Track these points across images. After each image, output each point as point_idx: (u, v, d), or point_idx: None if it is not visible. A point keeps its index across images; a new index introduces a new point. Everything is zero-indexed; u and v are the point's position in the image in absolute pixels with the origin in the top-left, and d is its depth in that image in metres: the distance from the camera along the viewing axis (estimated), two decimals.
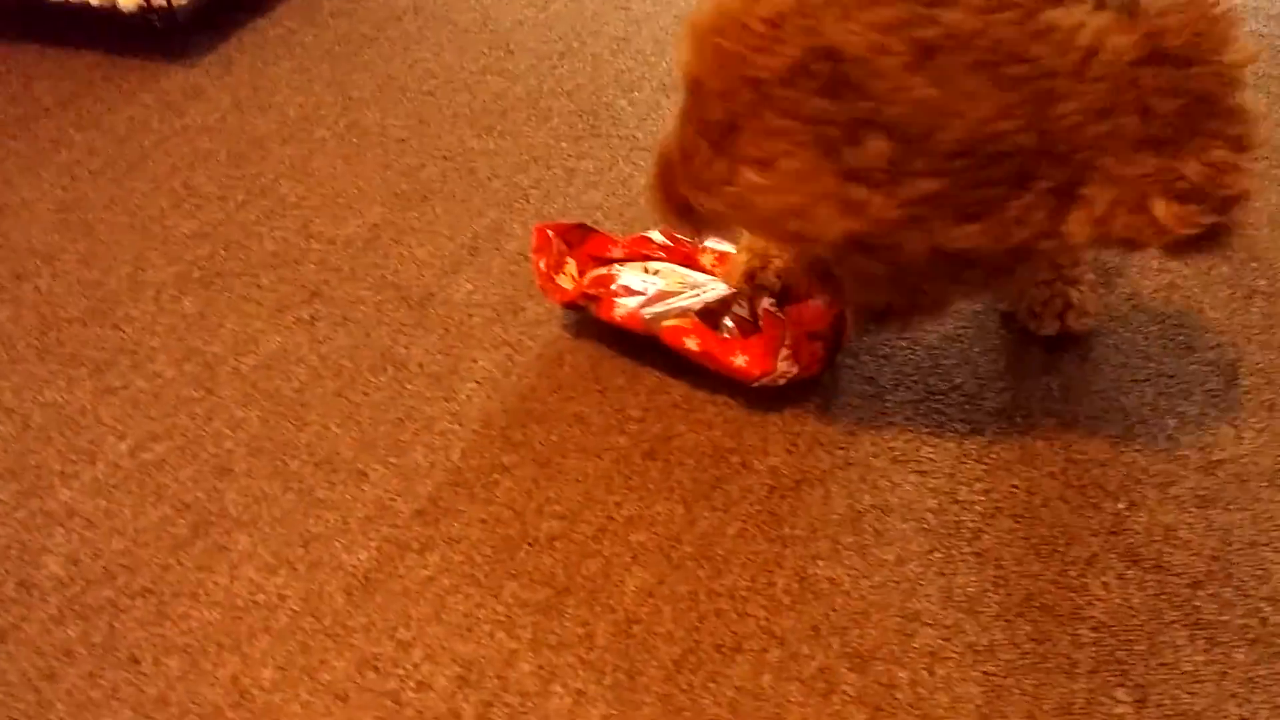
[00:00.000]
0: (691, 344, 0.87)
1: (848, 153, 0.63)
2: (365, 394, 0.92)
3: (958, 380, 0.89)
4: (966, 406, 0.87)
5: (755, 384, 0.86)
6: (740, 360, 0.85)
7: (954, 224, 0.64)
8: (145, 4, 1.34)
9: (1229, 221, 0.62)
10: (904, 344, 0.92)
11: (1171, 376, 0.88)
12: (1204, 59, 0.61)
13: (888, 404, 0.88)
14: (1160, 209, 0.62)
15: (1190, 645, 0.71)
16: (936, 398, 0.88)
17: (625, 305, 0.90)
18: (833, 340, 0.88)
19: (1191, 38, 0.61)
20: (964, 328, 0.93)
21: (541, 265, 0.95)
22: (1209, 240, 0.63)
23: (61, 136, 1.27)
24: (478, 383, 0.92)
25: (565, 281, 0.95)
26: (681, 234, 0.73)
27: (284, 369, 0.95)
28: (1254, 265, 0.97)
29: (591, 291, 0.92)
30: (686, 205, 0.69)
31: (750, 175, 0.65)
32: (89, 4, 1.35)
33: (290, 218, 1.12)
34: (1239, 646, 0.70)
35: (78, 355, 0.97)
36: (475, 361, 0.94)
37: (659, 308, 0.89)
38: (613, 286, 0.92)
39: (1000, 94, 0.61)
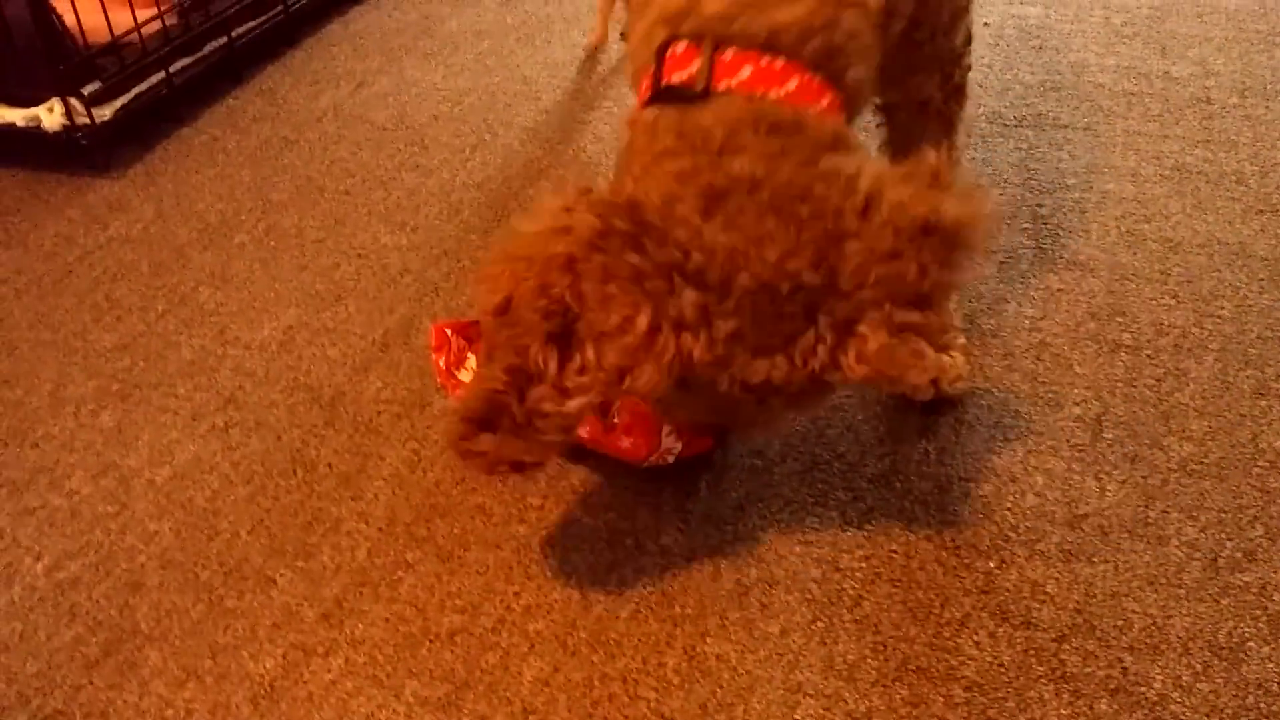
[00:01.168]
0: (582, 433, 0.91)
1: (670, 303, 0.67)
2: (275, 498, 0.95)
3: (840, 449, 0.93)
4: (848, 474, 0.91)
5: (645, 463, 0.90)
6: (626, 443, 0.89)
7: (753, 358, 0.69)
8: (69, 122, 1.38)
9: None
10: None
11: (1040, 434, 0.92)
12: (964, 248, 0.68)
13: (775, 476, 0.91)
14: (920, 353, 0.68)
15: (1056, 699, 0.74)
16: (821, 467, 0.92)
17: None
18: None
19: (964, 229, 0.68)
20: (847, 396, 0.98)
21: (441, 363, 0.99)
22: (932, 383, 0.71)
23: None
24: (384, 480, 0.95)
25: (466, 376, 0.99)
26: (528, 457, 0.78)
27: (197, 478, 0.98)
28: (1119, 320, 1.02)
29: None
30: (529, 418, 0.71)
31: (607, 346, 0.67)
32: (14, 124, 1.40)
33: (208, 325, 1.16)
34: (1101, 697, 0.74)
35: None
36: (383, 459, 0.97)
37: None
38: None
39: (790, 233, 0.67)
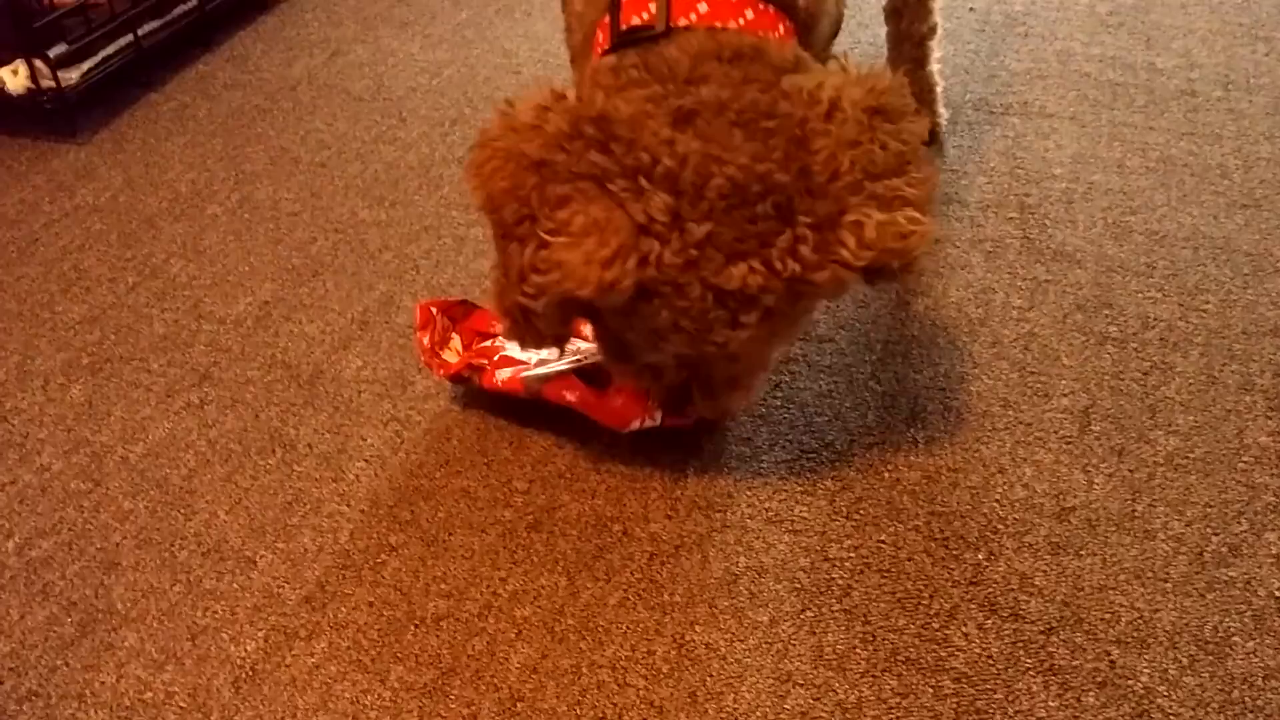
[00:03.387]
0: (570, 396, 0.90)
1: (634, 208, 0.69)
2: (254, 478, 0.93)
3: (829, 437, 0.93)
4: (837, 463, 0.90)
5: (629, 429, 0.89)
6: (618, 402, 0.89)
7: (727, 263, 0.70)
8: (34, 86, 1.34)
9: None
10: (779, 403, 0.96)
11: (1029, 425, 0.92)
12: (905, 117, 0.73)
13: (763, 464, 0.91)
14: (915, 218, 0.71)
15: (1045, 691, 0.74)
16: (809, 456, 0.91)
17: (505, 373, 0.93)
18: None
19: (896, 99, 0.73)
20: (835, 382, 0.97)
21: (425, 341, 0.97)
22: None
23: None
24: (366, 461, 0.94)
25: (450, 355, 0.97)
26: (531, 344, 0.79)
27: (172, 456, 0.95)
28: (1106, 312, 1.02)
29: (475, 361, 0.95)
30: (523, 310, 0.73)
31: (555, 245, 0.70)
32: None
33: (181, 298, 1.13)
34: (1089, 690, 0.74)
35: None
36: (364, 439, 0.96)
37: (539, 371, 0.92)
38: (495, 358, 0.94)
39: (757, 144, 0.70)
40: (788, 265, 0.70)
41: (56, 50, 1.35)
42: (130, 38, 1.43)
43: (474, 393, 0.97)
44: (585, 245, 0.69)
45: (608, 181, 0.69)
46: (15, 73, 1.34)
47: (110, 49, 1.42)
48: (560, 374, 0.92)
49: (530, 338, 0.76)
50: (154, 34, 1.47)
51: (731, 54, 0.73)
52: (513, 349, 0.95)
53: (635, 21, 0.76)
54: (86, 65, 1.38)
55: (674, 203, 0.69)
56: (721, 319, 0.72)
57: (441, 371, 0.96)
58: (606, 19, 0.79)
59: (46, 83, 1.34)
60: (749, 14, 0.75)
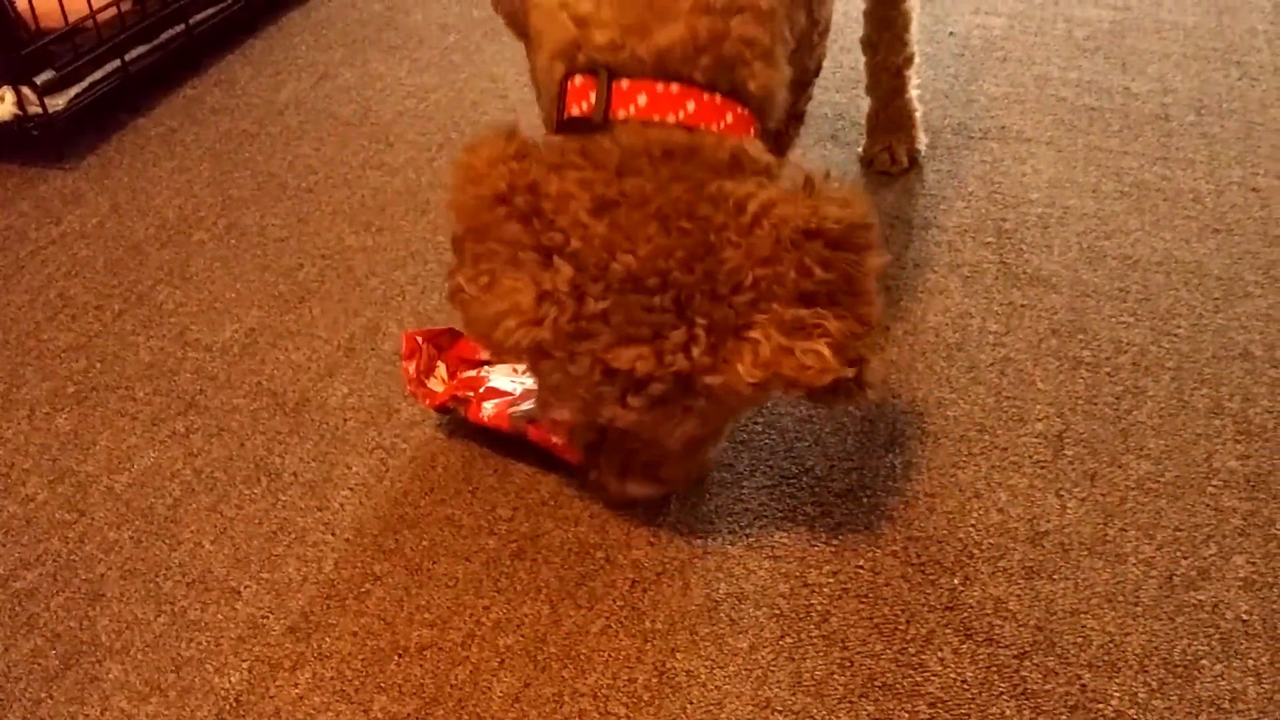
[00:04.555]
0: (556, 439, 0.91)
1: (541, 275, 0.73)
2: (239, 507, 0.94)
3: (809, 463, 0.94)
4: (816, 489, 0.92)
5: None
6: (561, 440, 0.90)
7: (618, 342, 0.73)
8: (21, 112, 1.35)
9: (859, 377, 0.75)
10: (759, 429, 0.97)
11: (1004, 449, 0.94)
12: (854, 248, 0.73)
13: (744, 490, 0.92)
14: (818, 353, 0.72)
15: (1017, 716, 0.76)
16: (789, 482, 0.93)
17: (491, 407, 0.94)
18: None
19: (847, 229, 0.73)
20: (815, 409, 0.99)
21: (411, 370, 0.98)
22: (844, 391, 0.75)
23: None
24: (351, 490, 0.95)
25: (436, 385, 0.98)
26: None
27: (158, 485, 0.96)
28: (1080, 337, 1.04)
29: (460, 394, 0.96)
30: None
31: (468, 287, 0.76)
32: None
33: (167, 326, 1.14)
34: (1061, 714, 0.75)
35: None
36: (349, 468, 0.97)
37: (525, 406, 0.93)
38: (481, 389, 0.96)
39: (667, 239, 0.72)
40: (676, 360, 0.72)
41: (44, 76, 1.36)
42: (118, 63, 1.44)
43: (460, 420, 0.98)
44: (491, 306, 0.74)
45: (520, 251, 0.74)
46: (2, 99, 1.35)
47: (98, 74, 1.42)
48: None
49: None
50: (141, 59, 1.48)
51: (661, 151, 0.74)
52: (498, 380, 0.96)
53: (576, 111, 0.78)
54: (73, 91, 1.39)
55: (576, 276, 0.73)
56: (609, 395, 0.75)
57: (427, 401, 0.97)
58: (557, 102, 0.81)
59: (34, 109, 1.35)
60: (690, 106, 0.76)
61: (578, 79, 0.78)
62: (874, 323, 0.74)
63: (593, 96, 0.76)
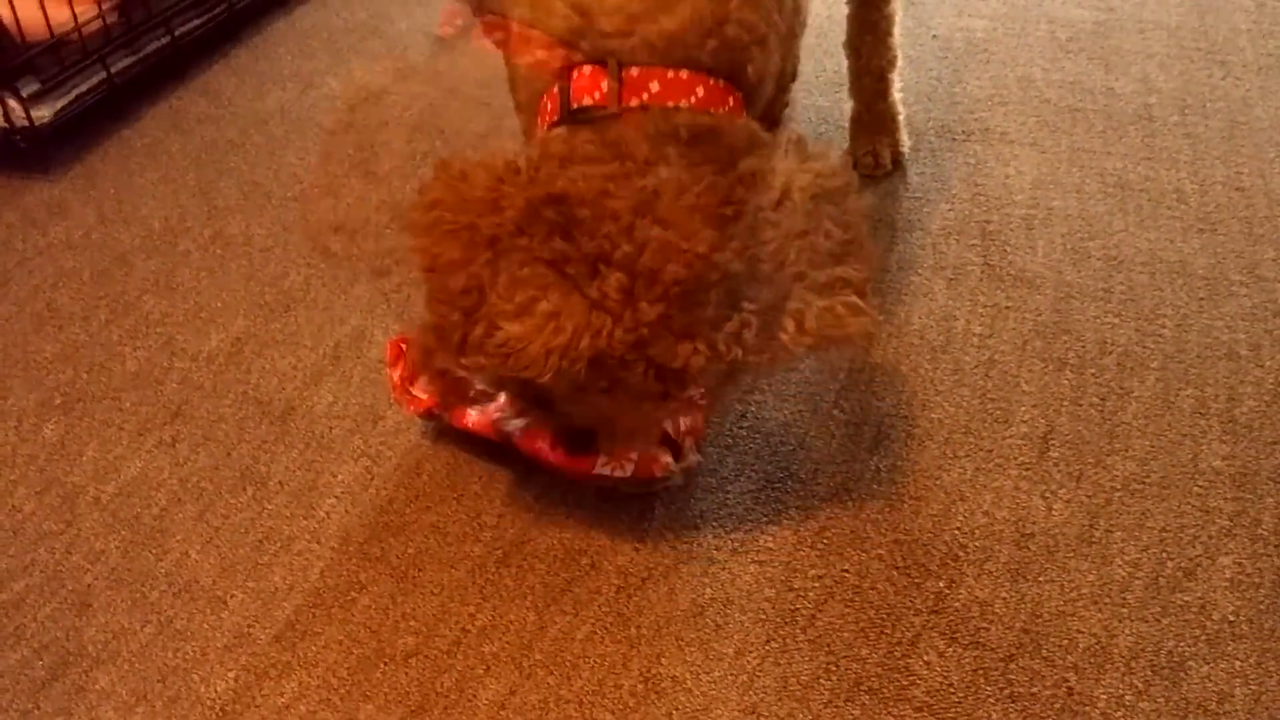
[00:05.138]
0: (541, 445, 0.91)
1: (590, 286, 0.71)
2: (225, 516, 0.94)
3: (794, 466, 0.94)
4: (802, 493, 0.92)
5: (590, 480, 0.90)
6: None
7: (675, 343, 0.72)
8: (6, 124, 1.34)
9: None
10: (744, 432, 0.97)
11: (989, 451, 0.94)
12: (845, 199, 0.75)
13: (729, 494, 0.92)
14: (855, 306, 0.73)
15: (1005, 719, 0.76)
16: (775, 485, 0.93)
17: (475, 413, 0.94)
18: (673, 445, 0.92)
19: (841, 185, 0.75)
20: (799, 410, 0.99)
21: (396, 377, 0.98)
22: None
23: None
24: (337, 497, 0.94)
25: (420, 391, 0.98)
26: (451, 399, 0.86)
27: (145, 494, 0.96)
28: (1065, 338, 1.04)
29: (444, 401, 0.96)
30: (451, 377, 0.77)
31: (511, 327, 0.71)
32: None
33: (153, 335, 1.13)
34: (1048, 716, 0.76)
35: None
36: (335, 475, 0.96)
37: (516, 423, 0.93)
38: (469, 394, 0.95)
39: (714, 231, 0.71)
40: (730, 349, 0.72)
41: (29, 88, 1.36)
42: (103, 73, 1.44)
43: (444, 427, 0.98)
44: (543, 332, 0.70)
45: (566, 266, 0.71)
46: None
47: (83, 86, 1.42)
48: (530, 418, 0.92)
49: (454, 397, 0.78)
50: (127, 69, 1.48)
51: (690, 135, 0.74)
52: (482, 387, 0.96)
53: (586, 101, 0.77)
54: (60, 103, 1.39)
55: (629, 282, 0.71)
56: (654, 392, 0.74)
57: (412, 407, 0.97)
58: (556, 89, 0.79)
59: (19, 120, 1.35)
60: (700, 91, 0.77)
61: (586, 69, 0.77)
62: (876, 263, 0.77)
63: (605, 85, 0.76)
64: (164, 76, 1.56)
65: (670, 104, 0.75)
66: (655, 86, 0.76)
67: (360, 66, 1.60)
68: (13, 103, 1.34)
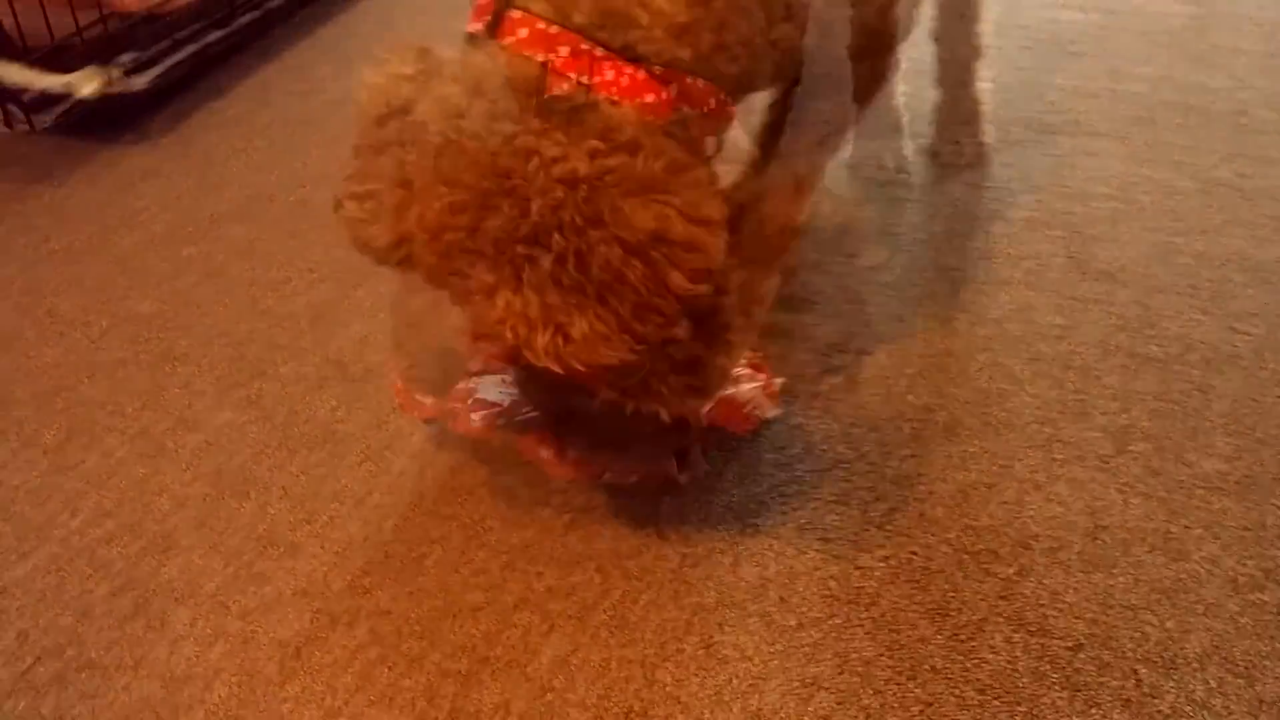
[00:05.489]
0: (545, 453, 0.90)
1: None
2: (303, 470, 0.96)
3: (864, 449, 0.94)
4: (870, 474, 0.91)
5: (601, 478, 0.90)
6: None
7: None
8: (107, 93, 1.39)
9: None
10: (815, 414, 0.97)
11: (1066, 443, 0.92)
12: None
13: (797, 472, 0.92)
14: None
15: (1069, 707, 0.75)
16: (843, 466, 0.92)
17: (479, 419, 0.92)
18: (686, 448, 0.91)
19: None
20: (873, 395, 0.98)
21: (400, 383, 0.98)
22: None
23: (21, 222, 1.32)
24: (411, 457, 0.97)
25: (425, 397, 0.98)
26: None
27: (227, 447, 0.99)
28: (1148, 333, 1.02)
29: (449, 406, 0.94)
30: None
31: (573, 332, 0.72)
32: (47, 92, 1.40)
33: (240, 296, 1.17)
34: (1114, 708, 0.74)
35: (35, 436, 1.02)
36: (410, 437, 0.99)
37: (514, 418, 0.92)
38: (469, 401, 0.93)
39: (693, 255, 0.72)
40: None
41: (126, 59, 1.41)
42: (195, 46, 1.49)
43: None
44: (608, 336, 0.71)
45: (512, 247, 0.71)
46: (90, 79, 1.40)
47: (176, 57, 1.47)
48: (535, 425, 0.91)
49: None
50: (217, 42, 1.53)
51: (664, 130, 0.74)
52: (486, 391, 0.95)
53: (557, 91, 0.76)
54: (154, 72, 1.44)
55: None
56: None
57: (416, 413, 0.97)
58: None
59: (117, 89, 1.40)
60: (673, 89, 0.76)
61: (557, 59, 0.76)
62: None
63: (574, 75, 0.75)
64: (254, 55, 1.61)
65: (648, 99, 0.75)
66: (523, 33, 0.75)
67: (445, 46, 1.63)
68: (115, 72, 1.40)
